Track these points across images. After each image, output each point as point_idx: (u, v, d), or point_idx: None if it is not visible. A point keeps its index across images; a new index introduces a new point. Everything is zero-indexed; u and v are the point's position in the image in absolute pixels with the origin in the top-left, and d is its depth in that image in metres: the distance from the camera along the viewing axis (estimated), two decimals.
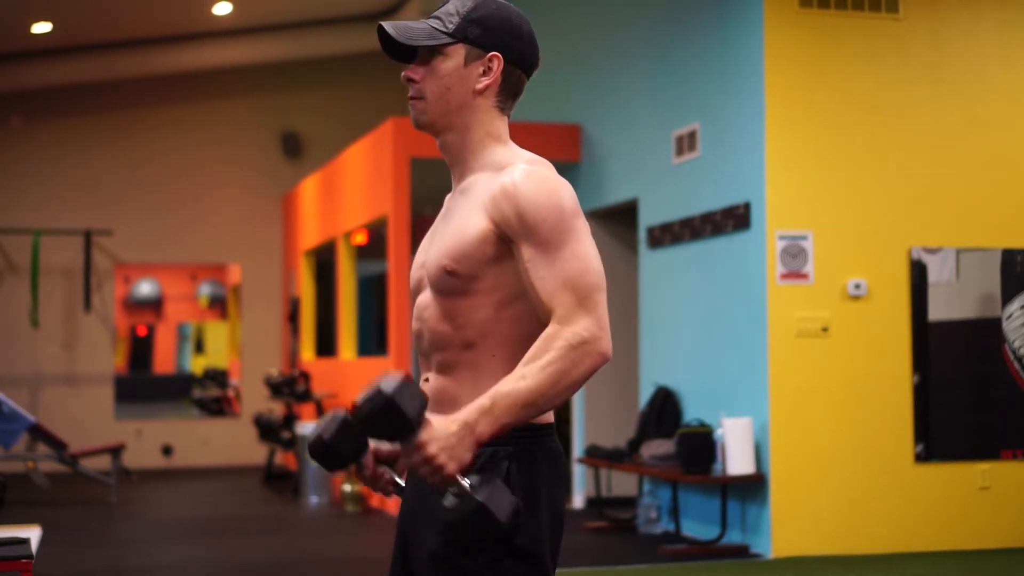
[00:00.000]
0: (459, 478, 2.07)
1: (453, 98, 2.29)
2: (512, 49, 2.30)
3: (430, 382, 2.30)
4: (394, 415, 2.03)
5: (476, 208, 2.23)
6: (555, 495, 2.26)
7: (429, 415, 2.08)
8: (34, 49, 13.02)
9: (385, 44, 2.32)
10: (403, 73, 2.33)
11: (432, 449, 2.05)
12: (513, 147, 2.32)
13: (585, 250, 2.18)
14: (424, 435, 2.05)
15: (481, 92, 2.29)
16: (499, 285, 2.21)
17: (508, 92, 2.32)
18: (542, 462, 2.23)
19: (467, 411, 2.08)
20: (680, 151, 8.56)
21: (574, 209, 2.20)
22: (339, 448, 2.15)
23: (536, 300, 2.17)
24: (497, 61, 2.29)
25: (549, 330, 2.13)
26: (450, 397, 2.25)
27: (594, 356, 2.12)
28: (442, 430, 2.06)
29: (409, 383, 2.05)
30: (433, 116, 2.31)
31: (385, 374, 2.07)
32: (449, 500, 2.08)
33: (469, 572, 2.16)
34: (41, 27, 12.22)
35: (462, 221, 2.25)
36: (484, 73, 2.29)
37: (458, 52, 2.28)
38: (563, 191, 2.20)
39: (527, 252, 2.17)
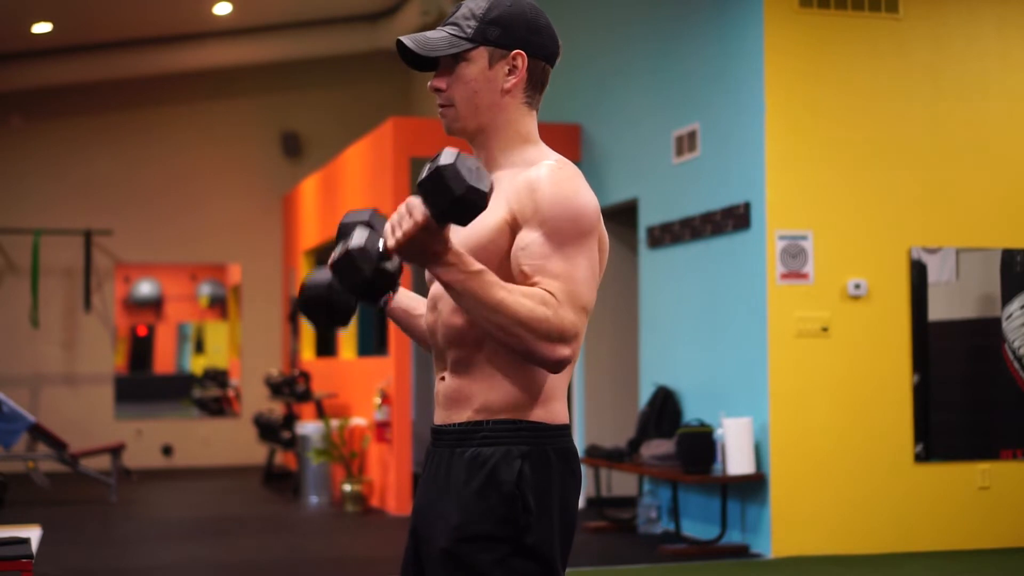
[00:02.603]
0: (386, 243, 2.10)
1: (482, 101, 2.29)
2: (533, 43, 2.30)
3: (445, 381, 2.29)
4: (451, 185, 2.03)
5: (498, 202, 2.23)
6: (568, 496, 2.25)
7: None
8: (34, 49, 13.02)
9: (406, 57, 2.32)
10: (429, 83, 2.34)
11: (403, 210, 2.07)
12: (543, 147, 2.33)
13: (588, 267, 2.18)
14: (413, 199, 2.07)
15: (509, 91, 2.30)
16: (511, 281, 2.20)
17: (535, 86, 2.33)
18: (556, 462, 2.23)
19: (458, 249, 2.09)
20: (680, 151, 8.56)
21: (590, 225, 2.20)
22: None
23: (519, 274, 2.17)
24: (521, 59, 2.29)
25: (544, 293, 2.12)
26: (464, 397, 2.25)
27: (554, 347, 2.11)
28: (421, 213, 2.06)
29: (478, 168, 2.05)
30: (464, 121, 2.31)
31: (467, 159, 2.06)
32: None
33: (479, 570, 2.16)
34: (41, 27, 12.22)
35: (483, 214, 2.25)
36: (510, 72, 2.29)
37: (481, 56, 2.28)
38: (588, 202, 2.21)
39: (529, 235, 2.17)
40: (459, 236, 2.24)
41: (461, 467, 2.22)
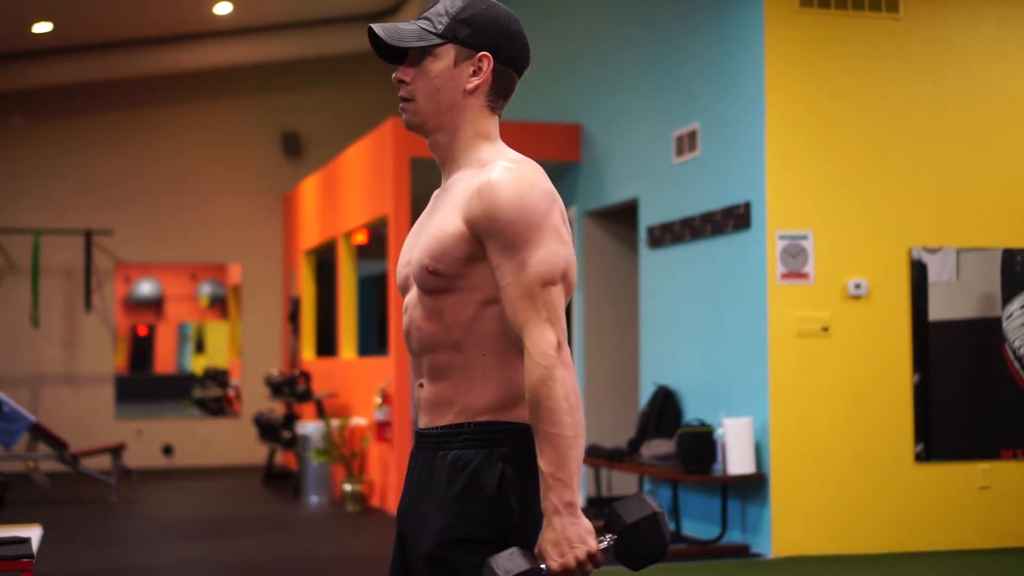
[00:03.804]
0: (600, 542, 2.13)
1: (443, 98, 2.29)
2: (502, 49, 2.29)
3: (424, 387, 2.29)
4: None
5: (455, 207, 2.23)
6: None
7: (521, 552, 2.10)
8: (34, 49, 13.03)
9: (375, 46, 2.32)
10: (394, 75, 2.33)
11: (567, 558, 2.09)
12: (501, 146, 2.32)
13: (551, 250, 2.17)
14: (549, 564, 2.09)
15: (471, 92, 2.29)
16: (481, 283, 2.21)
17: (499, 92, 2.32)
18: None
19: (544, 505, 2.12)
20: (680, 151, 8.56)
21: (546, 208, 2.18)
22: None
23: (504, 311, 2.18)
24: (487, 61, 2.28)
25: (526, 365, 2.14)
26: (446, 400, 2.25)
27: (565, 367, 2.13)
28: (548, 540, 2.11)
29: (513, 558, 2.07)
30: (423, 117, 2.31)
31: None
32: (614, 552, 2.16)
33: (464, 573, 2.17)
34: (41, 27, 12.22)
35: (442, 219, 2.25)
36: (474, 73, 2.29)
37: (448, 53, 2.28)
38: (535, 191, 2.18)
39: (494, 257, 2.18)
40: (424, 244, 2.25)
41: (443, 470, 2.22)
